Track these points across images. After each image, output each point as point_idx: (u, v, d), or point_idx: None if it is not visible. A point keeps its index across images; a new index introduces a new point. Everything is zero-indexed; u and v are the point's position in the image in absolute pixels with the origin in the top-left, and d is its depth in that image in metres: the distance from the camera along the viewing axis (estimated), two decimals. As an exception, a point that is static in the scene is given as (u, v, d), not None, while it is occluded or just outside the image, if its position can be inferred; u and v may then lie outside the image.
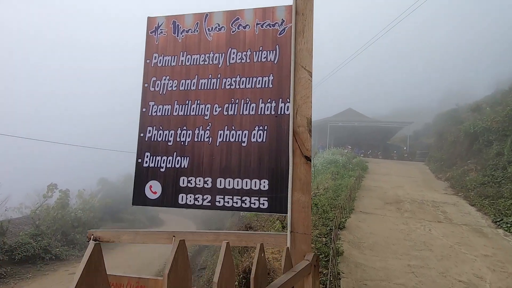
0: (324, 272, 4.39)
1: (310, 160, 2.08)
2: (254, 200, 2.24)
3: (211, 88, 2.50)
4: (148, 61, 2.69)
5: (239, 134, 2.37)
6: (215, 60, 2.54)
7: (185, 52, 2.62)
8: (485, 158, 12.76)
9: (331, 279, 4.22)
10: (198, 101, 2.52)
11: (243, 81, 2.45)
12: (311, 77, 2.22)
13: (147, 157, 2.56)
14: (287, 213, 2.06)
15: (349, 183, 11.40)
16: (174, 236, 2.33)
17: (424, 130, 29.75)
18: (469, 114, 18.40)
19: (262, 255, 1.32)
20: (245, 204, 2.25)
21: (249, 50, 2.47)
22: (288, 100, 2.30)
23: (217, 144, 2.41)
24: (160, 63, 2.66)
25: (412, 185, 12.78)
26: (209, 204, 2.35)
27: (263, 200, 2.22)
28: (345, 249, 5.37)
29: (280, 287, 1.33)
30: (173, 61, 2.63)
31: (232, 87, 2.46)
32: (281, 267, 1.56)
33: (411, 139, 30.03)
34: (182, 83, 2.58)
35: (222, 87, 2.48)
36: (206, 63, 2.55)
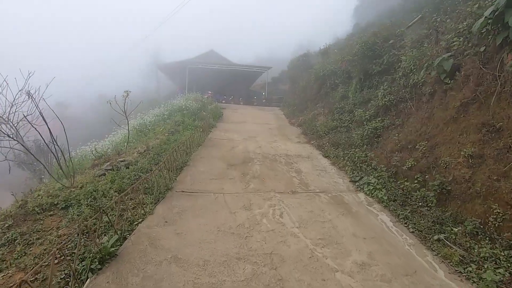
0: None
1: None
2: None
3: None
4: None
5: None
6: None
7: None
8: (331, 102, 12.11)
9: None
10: None
11: None
12: None
13: None
14: None
15: (191, 137, 7.88)
16: None
17: (281, 76, 30.04)
18: (319, 57, 18.17)
19: None
20: None
21: None
22: None
23: None
24: None
25: (266, 134, 10.77)
26: None
27: None
28: None
29: None
30: None
31: None
32: None
33: (269, 85, 29.90)
34: None
35: None
36: None
